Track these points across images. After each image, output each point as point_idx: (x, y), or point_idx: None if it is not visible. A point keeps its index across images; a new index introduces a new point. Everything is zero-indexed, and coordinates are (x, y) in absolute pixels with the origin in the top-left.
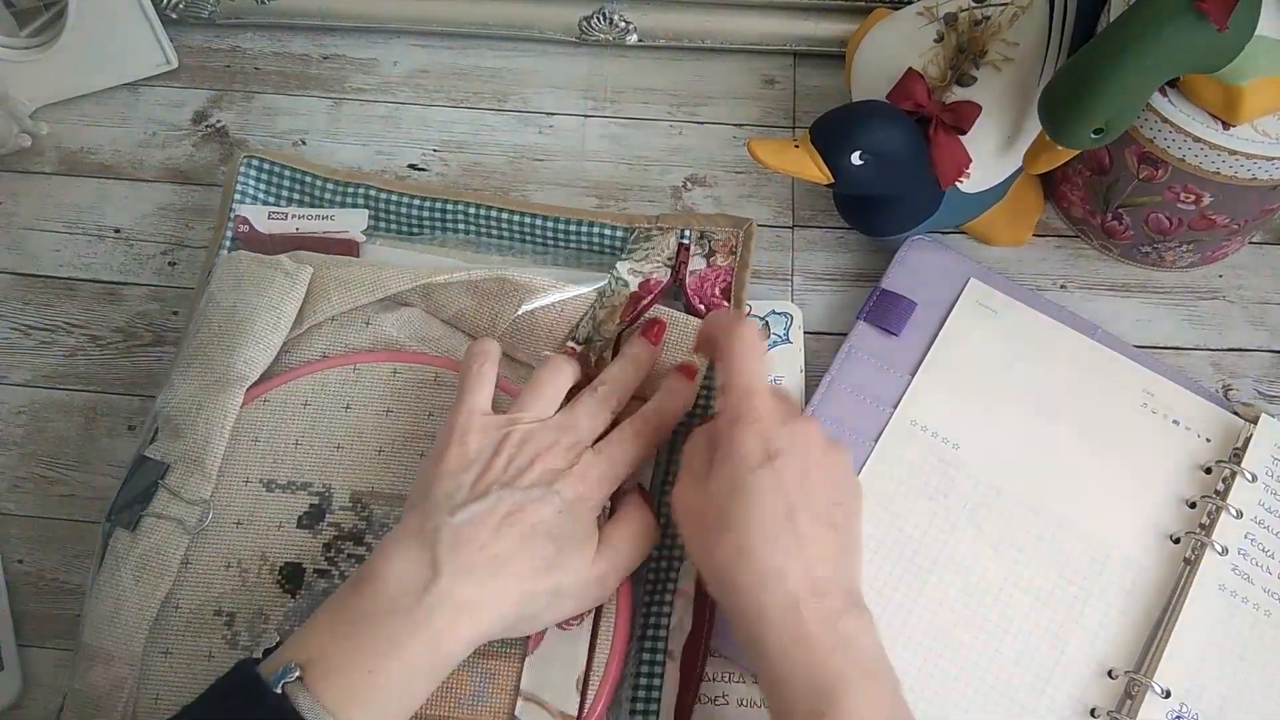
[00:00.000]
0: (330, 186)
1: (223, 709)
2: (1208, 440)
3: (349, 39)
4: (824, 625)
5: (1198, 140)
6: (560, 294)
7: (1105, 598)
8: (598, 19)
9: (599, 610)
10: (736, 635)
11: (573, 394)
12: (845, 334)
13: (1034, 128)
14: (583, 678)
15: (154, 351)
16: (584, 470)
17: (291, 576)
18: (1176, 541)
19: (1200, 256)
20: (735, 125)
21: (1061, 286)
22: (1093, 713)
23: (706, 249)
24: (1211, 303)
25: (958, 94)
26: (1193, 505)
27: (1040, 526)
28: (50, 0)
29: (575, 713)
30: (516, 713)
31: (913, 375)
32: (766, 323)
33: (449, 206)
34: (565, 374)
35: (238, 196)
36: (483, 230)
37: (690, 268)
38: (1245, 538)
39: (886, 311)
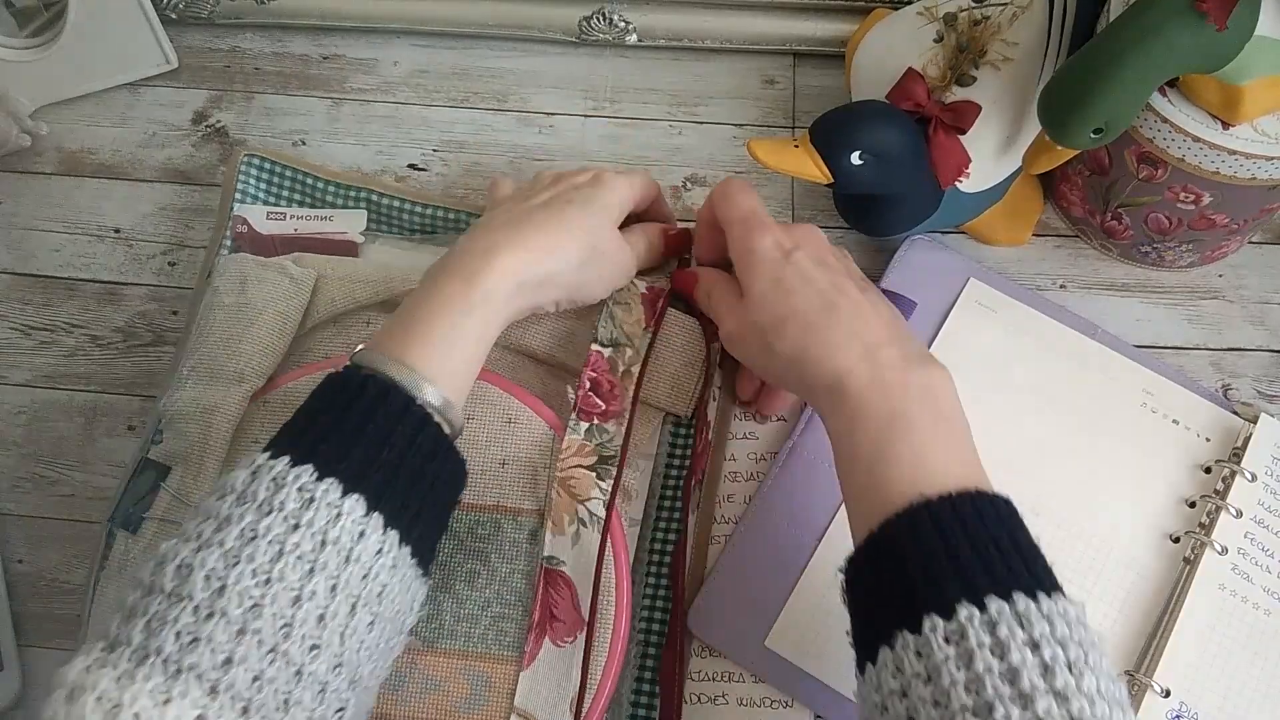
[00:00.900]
0: (332, 188)
1: (323, 397)
2: (1207, 440)
3: (349, 39)
4: (897, 370)
5: (1197, 140)
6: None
7: (1105, 597)
8: (598, 19)
9: (591, 629)
10: (825, 422)
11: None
12: None
13: (1034, 128)
14: (576, 699)
15: (154, 351)
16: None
17: None
18: (1176, 541)
19: (1200, 256)
20: (735, 125)
21: (1061, 286)
22: None
23: None
24: (1211, 302)
25: (957, 94)
26: (1192, 505)
27: (1040, 526)
28: (50, 0)
29: None
30: None
31: None
32: None
33: (450, 215)
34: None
35: (238, 196)
36: None
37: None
38: (1245, 537)
39: None
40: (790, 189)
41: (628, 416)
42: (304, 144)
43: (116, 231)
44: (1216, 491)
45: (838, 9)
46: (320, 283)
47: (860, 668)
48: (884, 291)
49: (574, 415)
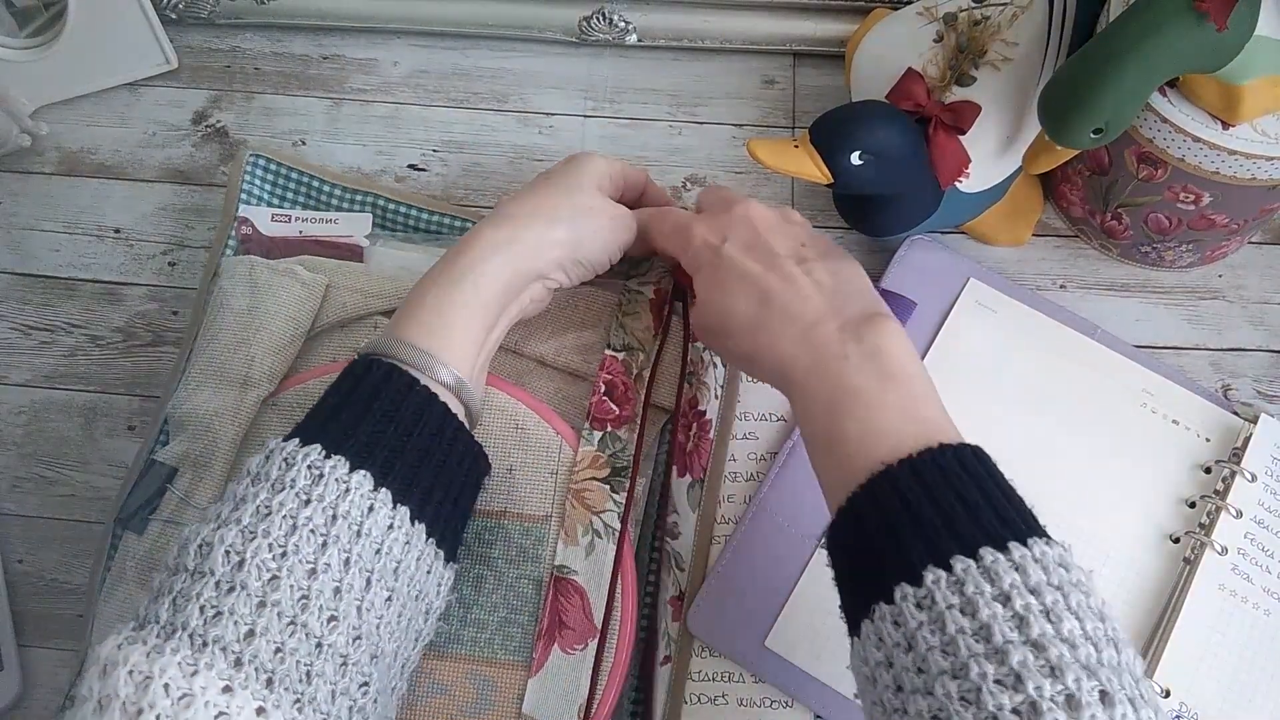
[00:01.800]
0: (337, 191)
1: (335, 385)
2: (1207, 440)
3: (349, 39)
4: (834, 345)
5: (1197, 140)
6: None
7: (1105, 597)
8: (598, 19)
9: (603, 639)
10: (794, 409)
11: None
12: None
13: (1034, 128)
14: (584, 705)
15: (154, 351)
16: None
17: None
18: (1176, 541)
19: (1200, 256)
20: (735, 125)
21: (1061, 286)
22: None
23: None
24: (1211, 303)
25: (957, 94)
26: (1192, 505)
27: None
28: (50, 0)
29: None
30: None
31: None
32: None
33: (455, 223)
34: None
35: (243, 196)
36: None
37: None
38: (1245, 537)
39: None
40: (790, 189)
41: (639, 423)
42: (304, 144)
43: (116, 231)
44: (1216, 492)
45: (838, 9)
46: (331, 288)
47: (851, 643)
48: (884, 292)
49: (587, 424)
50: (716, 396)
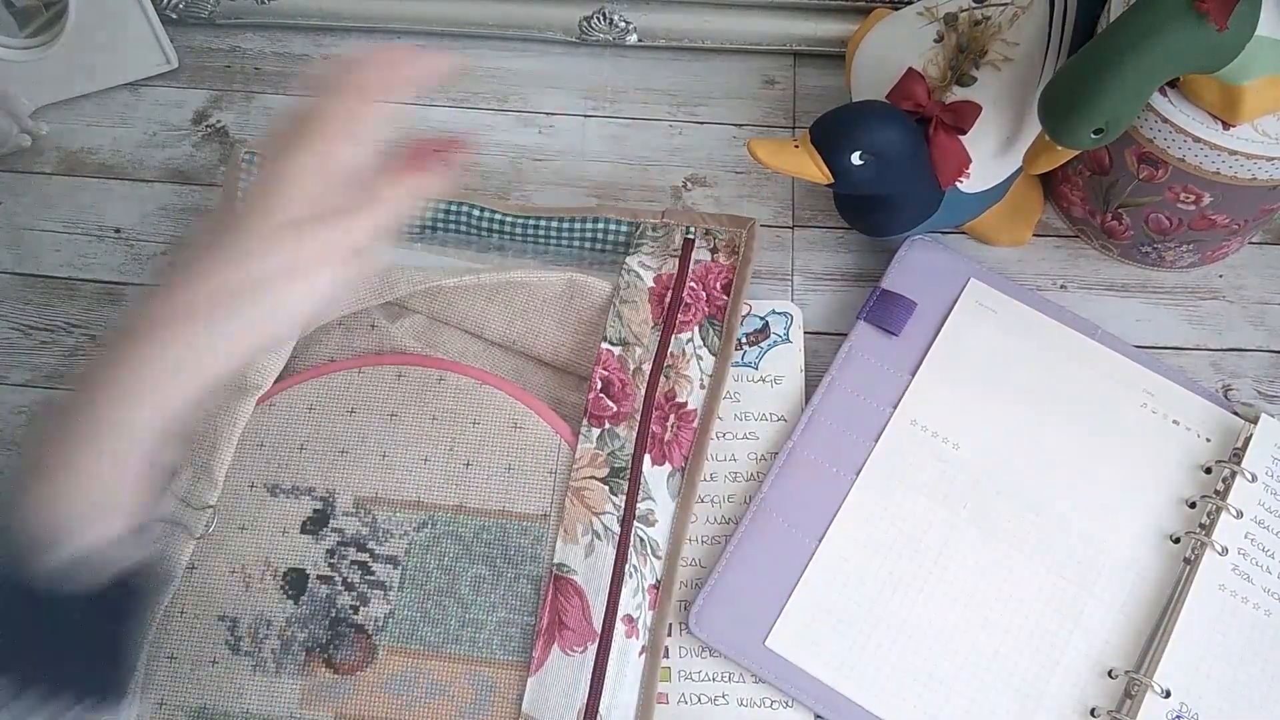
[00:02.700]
0: None
1: None
2: (1208, 440)
3: (349, 39)
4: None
5: (1198, 140)
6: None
7: (1105, 597)
8: (598, 19)
9: (605, 643)
10: None
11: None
12: (845, 334)
13: (1034, 128)
14: (584, 708)
15: None
16: None
17: (295, 582)
18: (1176, 541)
19: (1200, 256)
20: (735, 125)
21: (1061, 286)
22: (1093, 712)
23: (711, 244)
24: (1211, 303)
25: (958, 94)
26: (1193, 505)
27: (1040, 526)
28: (50, 0)
29: None
30: None
31: (913, 375)
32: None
33: (451, 207)
34: None
35: (240, 195)
36: (484, 230)
37: (695, 258)
38: (1245, 538)
39: (887, 311)
40: (790, 189)
41: (639, 419)
42: None
43: (116, 231)
44: (1217, 492)
45: (838, 9)
46: None
47: None
48: (884, 292)
49: (585, 421)
50: (702, 386)
